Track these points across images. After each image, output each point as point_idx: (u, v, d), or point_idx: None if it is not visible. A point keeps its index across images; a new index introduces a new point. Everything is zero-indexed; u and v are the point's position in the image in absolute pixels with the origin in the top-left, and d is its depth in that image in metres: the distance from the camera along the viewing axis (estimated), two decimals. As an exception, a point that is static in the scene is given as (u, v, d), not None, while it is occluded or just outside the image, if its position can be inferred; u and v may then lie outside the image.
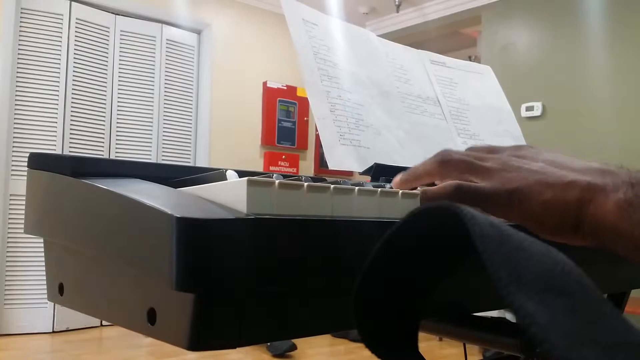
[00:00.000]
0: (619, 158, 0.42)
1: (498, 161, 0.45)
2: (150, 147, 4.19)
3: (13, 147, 3.61)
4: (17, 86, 3.64)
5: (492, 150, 0.47)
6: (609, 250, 0.40)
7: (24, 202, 0.51)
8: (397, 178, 0.50)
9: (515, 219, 0.42)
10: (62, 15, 3.79)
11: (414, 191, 0.45)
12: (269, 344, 3.44)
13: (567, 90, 3.77)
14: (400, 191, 0.44)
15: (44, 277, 0.51)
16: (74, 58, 3.82)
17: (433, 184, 0.48)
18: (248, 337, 0.35)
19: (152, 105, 4.21)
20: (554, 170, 0.42)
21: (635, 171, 0.40)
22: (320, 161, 5.02)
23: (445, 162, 0.46)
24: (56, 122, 3.73)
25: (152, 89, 4.22)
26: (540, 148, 0.48)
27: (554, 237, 0.42)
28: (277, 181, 0.36)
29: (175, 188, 0.43)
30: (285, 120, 4.81)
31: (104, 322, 3.89)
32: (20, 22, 3.67)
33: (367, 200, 0.41)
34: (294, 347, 3.39)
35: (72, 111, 3.80)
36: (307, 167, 4.97)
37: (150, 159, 4.14)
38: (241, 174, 0.41)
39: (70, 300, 0.47)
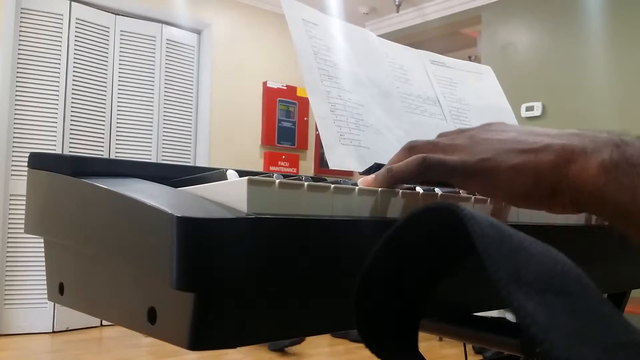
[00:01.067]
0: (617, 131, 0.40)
1: (466, 136, 0.44)
2: (150, 147, 4.19)
3: (13, 147, 3.60)
4: (17, 86, 3.64)
5: (461, 130, 0.47)
6: (592, 214, 0.38)
7: (24, 202, 0.51)
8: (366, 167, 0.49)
9: (486, 189, 0.41)
10: (62, 15, 3.79)
11: (414, 191, 0.45)
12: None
13: (567, 90, 3.77)
14: (401, 191, 0.44)
15: (44, 277, 0.51)
16: (74, 58, 3.82)
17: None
18: (248, 337, 0.35)
19: (152, 105, 4.21)
20: (526, 137, 0.41)
21: (617, 133, 0.39)
22: (320, 161, 5.03)
23: (412, 147, 0.45)
24: (56, 122, 3.73)
25: (152, 89, 4.22)
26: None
27: (528, 205, 0.40)
28: (277, 181, 0.36)
29: (176, 188, 0.43)
30: (285, 120, 4.81)
31: (104, 322, 3.89)
32: (20, 22, 3.67)
33: (367, 200, 0.41)
34: (295, 342, 3.37)
35: (72, 111, 3.80)
36: (307, 167, 4.97)
37: (150, 159, 4.14)
38: (241, 173, 0.41)
39: (71, 300, 0.47)
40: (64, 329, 3.72)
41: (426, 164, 0.42)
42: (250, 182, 0.35)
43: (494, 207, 0.49)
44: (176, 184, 0.45)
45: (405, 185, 0.48)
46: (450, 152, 0.43)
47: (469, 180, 0.41)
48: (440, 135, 0.47)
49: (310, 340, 3.65)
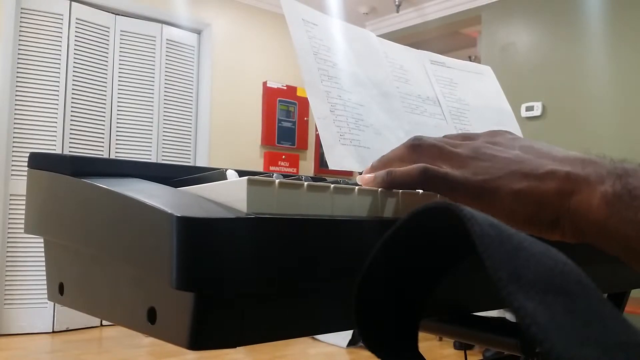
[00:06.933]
0: (619, 158, 0.39)
1: (471, 147, 0.43)
2: (150, 147, 4.19)
3: (13, 147, 3.60)
4: (17, 86, 3.64)
5: (466, 137, 0.46)
6: (593, 246, 0.38)
7: (24, 202, 0.51)
8: (368, 166, 0.48)
9: (485, 211, 0.40)
10: (62, 15, 3.79)
11: (413, 191, 0.45)
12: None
13: (567, 90, 3.77)
14: (401, 191, 0.44)
15: (44, 277, 0.51)
16: (74, 58, 3.82)
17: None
18: (248, 337, 0.35)
19: (152, 105, 4.21)
20: (530, 158, 0.40)
21: (619, 160, 0.38)
22: (320, 161, 5.02)
23: (416, 146, 0.45)
24: (56, 122, 3.73)
25: (152, 89, 4.22)
26: (517, 135, 0.45)
27: (528, 231, 0.40)
28: (277, 180, 0.36)
29: (176, 188, 0.43)
30: (285, 120, 4.81)
31: (104, 322, 3.89)
32: (20, 22, 3.67)
33: (367, 200, 0.41)
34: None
35: (72, 111, 3.80)
36: (307, 167, 4.97)
37: (150, 159, 4.14)
38: (241, 173, 0.41)
39: (71, 299, 0.47)
40: (64, 329, 3.72)
41: (427, 176, 0.41)
42: (249, 182, 0.35)
43: None
44: (176, 184, 0.45)
45: None
46: (453, 163, 0.42)
47: (468, 200, 0.41)
48: (446, 137, 0.47)
49: (309, 341, 3.65)
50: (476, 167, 0.41)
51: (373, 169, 0.47)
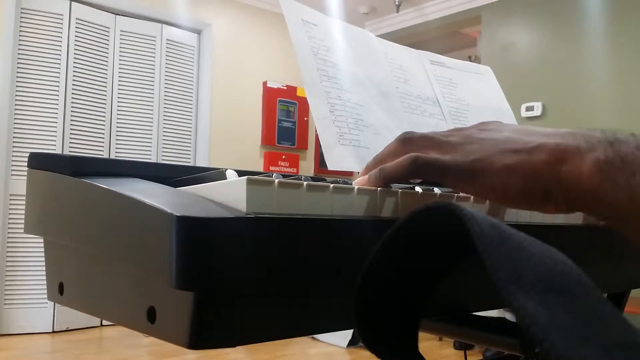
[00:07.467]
0: (611, 128, 0.39)
1: (461, 135, 0.43)
2: (150, 147, 4.19)
3: (13, 147, 3.60)
4: (17, 86, 3.64)
5: (457, 129, 0.46)
6: (586, 214, 0.37)
7: (24, 202, 0.51)
8: (364, 167, 0.49)
9: (478, 190, 0.40)
10: (62, 15, 3.79)
11: (413, 191, 0.45)
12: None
13: (567, 90, 3.77)
14: (400, 190, 0.44)
15: (44, 277, 0.51)
16: (74, 58, 3.82)
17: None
18: (248, 336, 0.35)
19: (152, 105, 4.21)
20: (519, 137, 0.40)
21: (610, 130, 0.38)
22: (320, 161, 5.02)
23: (407, 140, 0.45)
24: (56, 122, 3.73)
25: (152, 89, 4.22)
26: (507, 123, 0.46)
27: (521, 206, 0.40)
28: (276, 180, 0.36)
29: (175, 187, 0.43)
30: (285, 120, 4.81)
31: (104, 322, 3.89)
32: (20, 22, 3.67)
33: (366, 200, 0.41)
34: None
35: (72, 111, 3.80)
36: (307, 167, 4.97)
37: (150, 159, 4.14)
38: (241, 173, 0.41)
39: (71, 299, 0.47)
40: (64, 329, 3.72)
41: (418, 164, 0.41)
42: (249, 181, 0.35)
43: (490, 205, 0.49)
44: (176, 184, 0.45)
45: (404, 185, 0.48)
46: (444, 149, 0.42)
47: (461, 181, 0.41)
48: (437, 132, 0.47)
49: (309, 341, 3.65)
50: (466, 150, 0.41)
51: (367, 169, 0.48)
